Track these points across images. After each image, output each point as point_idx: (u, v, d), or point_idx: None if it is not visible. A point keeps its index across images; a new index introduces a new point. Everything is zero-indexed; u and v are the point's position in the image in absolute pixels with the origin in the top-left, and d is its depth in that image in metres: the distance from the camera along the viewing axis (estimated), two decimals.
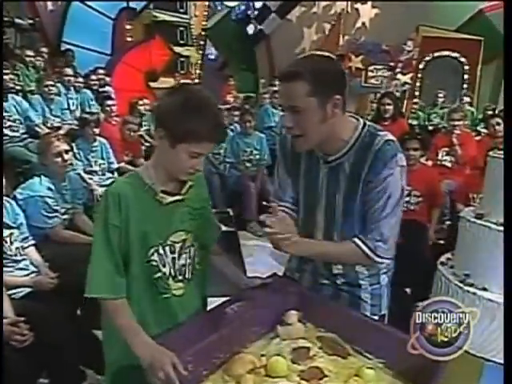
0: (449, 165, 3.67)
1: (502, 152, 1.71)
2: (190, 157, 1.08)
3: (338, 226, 1.26)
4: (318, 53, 1.23)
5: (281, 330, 1.23)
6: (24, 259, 1.94)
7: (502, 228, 1.61)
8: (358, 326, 1.20)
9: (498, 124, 3.63)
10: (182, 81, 6.75)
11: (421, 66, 8.64)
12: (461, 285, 1.69)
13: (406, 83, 8.90)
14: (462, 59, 8.40)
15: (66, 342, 1.73)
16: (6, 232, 1.88)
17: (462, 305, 1.65)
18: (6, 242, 1.87)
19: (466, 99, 6.95)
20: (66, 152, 2.27)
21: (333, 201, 1.24)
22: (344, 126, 1.19)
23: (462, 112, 3.86)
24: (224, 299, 1.25)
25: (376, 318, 1.32)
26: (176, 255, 1.17)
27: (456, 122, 3.62)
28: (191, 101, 1.07)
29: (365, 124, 1.21)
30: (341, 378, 1.09)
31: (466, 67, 8.43)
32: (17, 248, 1.91)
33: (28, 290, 1.85)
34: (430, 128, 6.29)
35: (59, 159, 2.24)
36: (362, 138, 1.18)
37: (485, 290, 1.65)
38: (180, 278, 1.19)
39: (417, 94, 8.67)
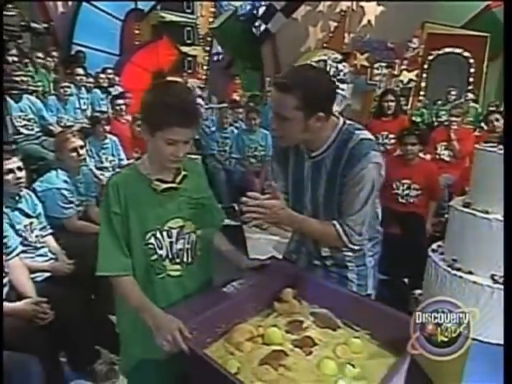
0: (447, 159, 3.76)
1: (487, 144, 1.82)
2: (167, 144, 1.18)
3: (321, 214, 1.39)
4: (314, 66, 1.37)
5: (278, 306, 1.35)
6: (43, 247, 2.09)
7: (486, 215, 1.72)
8: (348, 302, 1.31)
9: (497, 120, 3.70)
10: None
11: (426, 63, 8.66)
12: (449, 269, 1.79)
13: (411, 80, 8.91)
14: (468, 56, 8.38)
15: (81, 323, 1.86)
16: (26, 221, 2.04)
17: (450, 288, 1.77)
18: (27, 231, 2.02)
19: (471, 96, 6.97)
20: (81, 147, 2.43)
21: (316, 191, 1.38)
22: (325, 126, 1.31)
23: (460, 108, 3.94)
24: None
25: None
26: (173, 239, 1.28)
27: (454, 118, 3.71)
28: (161, 93, 1.20)
29: (344, 122, 1.34)
30: (330, 347, 1.20)
31: (472, 64, 8.42)
32: (36, 236, 2.07)
33: (47, 274, 2.00)
34: (436, 124, 6.32)
35: (74, 154, 2.39)
36: (341, 136, 1.31)
37: (470, 273, 1.75)
38: (177, 260, 1.30)
39: (422, 91, 8.71)
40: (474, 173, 1.86)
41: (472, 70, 8.41)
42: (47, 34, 4.85)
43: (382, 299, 1.54)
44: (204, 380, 1.12)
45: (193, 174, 1.34)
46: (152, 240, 1.25)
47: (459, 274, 1.76)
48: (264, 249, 3.54)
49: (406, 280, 2.91)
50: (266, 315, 1.33)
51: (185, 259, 1.31)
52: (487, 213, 1.73)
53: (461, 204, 1.85)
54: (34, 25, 3.52)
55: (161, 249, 1.26)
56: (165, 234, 1.27)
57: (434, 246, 2.02)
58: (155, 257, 1.26)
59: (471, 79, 8.36)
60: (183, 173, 1.30)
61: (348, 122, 1.35)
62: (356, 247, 1.36)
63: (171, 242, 1.28)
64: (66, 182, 2.38)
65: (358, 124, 1.37)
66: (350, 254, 1.43)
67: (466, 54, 8.36)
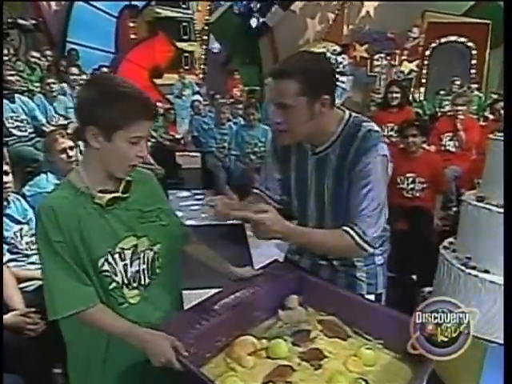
0: (453, 150, 3.68)
1: (501, 134, 1.71)
2: (131, 143, 1.04)
3: (328, 215, 1.28)
4: (310, 51, 1.25)
5: (282, 315, 1.26)
6: (34, 254, 1.99)
7: (502, 210, 1.62)
8: (357, 308, 1.22)
9: (503, 109, 3.59)
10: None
11: (427, 53, 8.53)
12: (463, 268, 1.69)
13: (412, 71, 8.82)
14: (470, 44, 8.26)
15: None
16: (16, 227, 1.94)
17: (465, 287, 1.68)
18: (17, 238, 1.93)
19: (474, 85, 6.84)
20: (71, 148, 2.30)
21: (321, 191, 1.27)
22: (330, 119, 1.21)
23: (465, 97, 3.84)
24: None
25: (373, 296, 1.36)
26: (128, 262, 1.13)
27: (459, 107, 3.62)
28: (109, 87, 1.04)
29: (350, 115, 1.24)
30: (340, 359, 1.12)
31: (474, 52, 8.29)
32: (27, 243, 1.96)
33: (40, 283, 1.90)
34: (439, 115, 6.18)
35: (64, 156, 2.26)
36: (348, 130, 1.21)
37: (487, 272, 1.65)
38: (134, 285, 1.15)
39: (423, 81, 8.59)
40: (487, 164, 1.75)
41: (474, 59, 8.29)
42: (37, 31, 4.74)
43: (389, 297, 1.46)
44: None
45: (141, 183, 1.19)
46: (106, 266, 1.08)
47: (474, 272, 1.66)
48: (267, 248, 3.45)
49: (413, 277, 2.82)
50: (270, 325, 1.25)
51: (142, 281, 1.16)
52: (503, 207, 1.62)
53: (474, 198, 1.74)
54: (21, 21, 3.41)
55: (116, 275, 1.10)
56: (117, 256, 1.10)
57: (446, 242, 1.92)
58: (113, 285, 1.10)
59: (473, 67, 8.23)
60: (127, 178, 1.13)
61: (354, 114, 1.25)
62: (372, 249, 1.22)
63: (125, 265, 1.12)
64: (56, 185, 2.28)
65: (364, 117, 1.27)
66: None
67: (468, 41, 8.24)
